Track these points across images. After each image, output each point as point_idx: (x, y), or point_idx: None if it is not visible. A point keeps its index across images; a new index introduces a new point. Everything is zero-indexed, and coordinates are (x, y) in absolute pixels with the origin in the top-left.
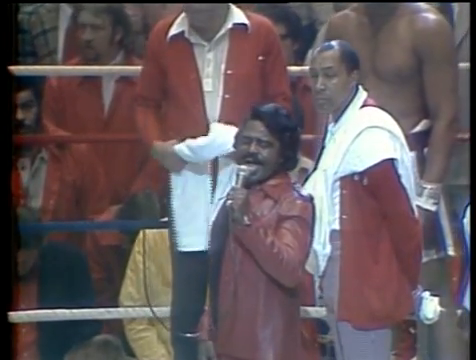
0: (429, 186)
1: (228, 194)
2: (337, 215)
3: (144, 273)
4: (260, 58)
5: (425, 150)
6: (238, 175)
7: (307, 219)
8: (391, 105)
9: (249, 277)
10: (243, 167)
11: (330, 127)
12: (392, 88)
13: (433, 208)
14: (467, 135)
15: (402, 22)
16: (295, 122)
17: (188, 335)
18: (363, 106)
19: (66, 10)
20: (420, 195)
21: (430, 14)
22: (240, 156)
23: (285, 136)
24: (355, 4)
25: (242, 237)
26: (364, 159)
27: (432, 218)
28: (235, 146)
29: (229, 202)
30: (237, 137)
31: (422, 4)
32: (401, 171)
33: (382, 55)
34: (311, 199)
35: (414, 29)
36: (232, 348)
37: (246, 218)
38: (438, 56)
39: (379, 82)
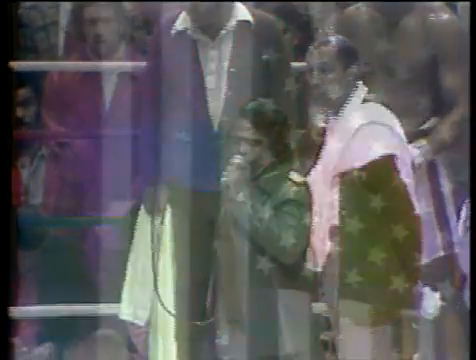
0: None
1: (223, 174)
2: (337, 211)
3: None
4: (264, 56)
5: None
6: (233, 163)
7: (302, 201)
8: (401, 101)
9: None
10: (238, 156)
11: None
12: (402, 84)
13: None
14: None
15: (416, 19)
16: (284, 115)
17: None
18: (363, 102)
19: (66, 5)
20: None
21: (444, 13)
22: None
23: (273, 131)
24: None
25: (239, 215)
26: (363, 155)
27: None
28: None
29: (224, 179)
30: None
31: (437, 3)
32: (401, 167)
33: (394, 52)
34: (305, 183)
35: (428, 27)
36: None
37: (241, 194)
38: (451, 54)
39: (390, 78)
